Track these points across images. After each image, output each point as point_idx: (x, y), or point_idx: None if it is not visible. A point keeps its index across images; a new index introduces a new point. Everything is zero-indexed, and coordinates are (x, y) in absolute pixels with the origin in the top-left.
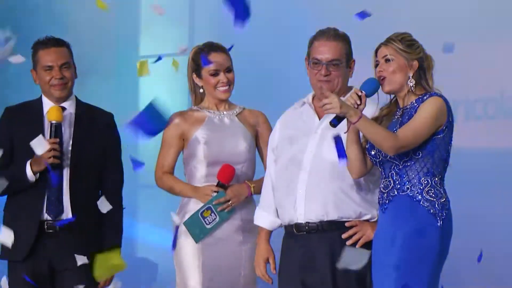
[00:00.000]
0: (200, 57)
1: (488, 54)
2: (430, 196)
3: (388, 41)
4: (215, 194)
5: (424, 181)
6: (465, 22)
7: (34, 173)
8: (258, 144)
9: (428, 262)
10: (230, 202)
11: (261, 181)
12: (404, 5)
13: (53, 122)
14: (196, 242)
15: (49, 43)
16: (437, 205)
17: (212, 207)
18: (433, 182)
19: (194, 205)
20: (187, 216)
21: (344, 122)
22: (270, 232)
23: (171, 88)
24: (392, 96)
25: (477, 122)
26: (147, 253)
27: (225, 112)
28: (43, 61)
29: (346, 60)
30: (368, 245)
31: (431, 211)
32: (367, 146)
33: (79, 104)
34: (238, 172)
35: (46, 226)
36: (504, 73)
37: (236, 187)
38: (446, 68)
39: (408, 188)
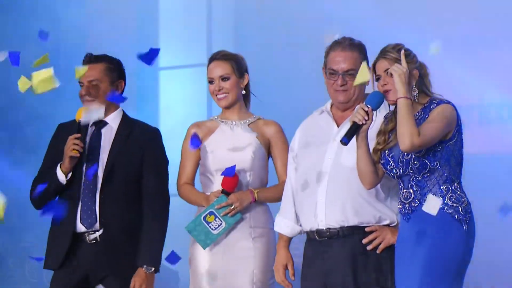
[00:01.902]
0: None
1: (502, 58)
2: (452, 202)
3: (386, 53)
4: (217, 199)
5: (445, 188)
6: (481, 27)
7: (64, 173)
8: (272, 154)
9: (453, 265)
10: (233, 206)
11: (268, 189)
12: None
13: (79, 120)
14: (204, 248)
15: (85, 59)
16: (461, 210)
17: (214, 211)
18: (452, 187)
19: None
20: None
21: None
22: (290, 239)
23: (190, 98)
24: (393, 107)
25: (491, 126)
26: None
27: (237, 122)
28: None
29: None
30: (388, 250)
31: (456, 217)
32: (382, 161)
33: (124, 119)
34: (245, 180)
35: (82, 237)
36: None
37: (239, 192)
38: (461, 73)
39: None
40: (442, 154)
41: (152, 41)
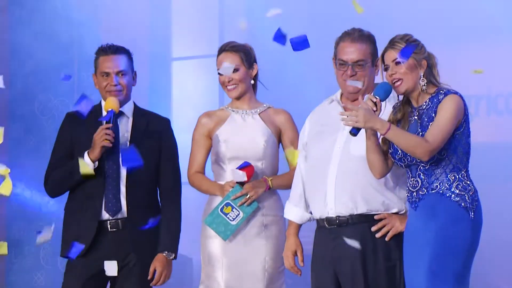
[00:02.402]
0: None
1: (510, 49)
2: (459, 190)
3: (394, 44)
4: (232, 189)
5: (452, 176)
6: (488, 20)
7: (93, 161)
8: (282, 142)
9: (460, 253)
10: (248, 196)
11: (280, 176)
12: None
13: (108, 110)
14: (224, 239)
15: (109, 50)
16: (468, 198)
17: (231, 202)
18: (460, 176)
19: (218, 203)
20: None
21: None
22: (299, 226)
23: (202, 88)
24: (401, 97)
25: (498, 117)
26: (181, 248)
27: (248, 111)
28: (101, 67)
29: (372, 60)
30: (397, 238)
31: (462, 204)
32: (390, 151)
33: (137, 110)
34: (258, 169)
35: (109, 226)
36: None
37: (254, 181)
38: (468, 64)
39: (437, 186)
40: (449, 144)
41: (164, 32)
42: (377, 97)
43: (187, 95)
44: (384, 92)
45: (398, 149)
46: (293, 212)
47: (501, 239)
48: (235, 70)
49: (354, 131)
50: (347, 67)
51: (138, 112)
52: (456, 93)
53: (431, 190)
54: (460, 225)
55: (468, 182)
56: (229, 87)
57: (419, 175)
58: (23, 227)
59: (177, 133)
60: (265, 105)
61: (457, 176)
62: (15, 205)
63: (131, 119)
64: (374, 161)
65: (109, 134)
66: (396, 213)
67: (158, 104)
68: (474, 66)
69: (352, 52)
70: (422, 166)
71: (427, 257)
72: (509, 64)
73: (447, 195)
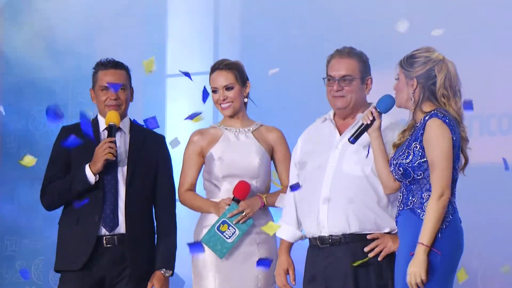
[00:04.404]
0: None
1: (503, 69)
2: None
3: (401, 61)
4: (228, 207)
5: (426, 195)
6: (481, 37)
7: (94, 174)
8: (274, 160)
9: (429, 272)
10: (245, 213)
11: (274, 194)
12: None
13: (110, 123)
14: (221, 257)
15: (108, 65)
16: None
17: (227, 220)
18: None
19: (211, 220)
20: (205, 231)
21: (364, 139)
22: (291, 244)
23: (197, 105)
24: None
25: (491, 138)
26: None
27: (241, 129)
28: (101, 81)
29: (361, 77)
30: (389, 257)
31: None
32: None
33: (133, 126)
34: (252, 187)
35: (105, 241)
36: None
37: (250, 199)
38: (462, 82)
39: (411, 203)
40: (426, 166)
41: (160, 49)
42: (377, 108)
43: (181, 111)
44: (385, 103)
45: (391, 164)
46: (285, 230)
47: (492, 256)
48: (230, 88)
49: (352, 140)
50: (334, 82)
51: (135, 128)
52: (437, 116)
53: (406, 207)
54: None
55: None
56: (223, 105)
57: (402, 190)
58: (15, 242)
59: (170, 149)
60: (257, 123)
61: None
62: (7, 220)
63: (128, 135)
64: (381, 173)
65: (112, 147)
66: (389, 233)
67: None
68: (467, 86)
69: (339, 68)
70: (405, 183)
71: (402, 275)
72: (502, 84)
73: (417, 212)
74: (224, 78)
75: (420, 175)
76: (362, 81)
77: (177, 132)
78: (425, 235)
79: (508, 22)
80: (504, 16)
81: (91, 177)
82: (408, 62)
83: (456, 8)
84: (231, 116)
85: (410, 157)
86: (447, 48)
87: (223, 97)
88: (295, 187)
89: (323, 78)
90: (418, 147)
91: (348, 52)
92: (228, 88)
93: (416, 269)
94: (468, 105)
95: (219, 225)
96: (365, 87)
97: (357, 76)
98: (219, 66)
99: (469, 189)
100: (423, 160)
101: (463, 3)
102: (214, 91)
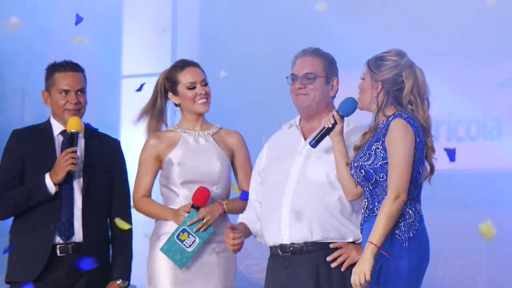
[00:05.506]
0: (175, 74)
1: (471, 76)
2: None
3: (367, 61)
4: (187, 215)
5: None
6: (451, 45)
7: (55, 184)
8: (233, 164)
9: (395, 283)
10: (205, 220)
11: (235, 200)
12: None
13: (73, 131)
14: (181, 267)
15: (67, 66)
16: (403, 226)
17: (187, 228)
18: None
19: (169, 228)
20: (162, 239)
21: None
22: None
23: None
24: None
25: (459, 144)
26: (133, 280)
27: (200, 132)
28: (60, 84)
29: (325, 76)
30: (353, 267)
31: (396, 231)
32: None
33: (87, 130)
34: (212, 194)
35: (59, 250)
36: (487, 96)
37: (210, 205)
38: (430, 88)
39: (377, 209)
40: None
41: (115, 49)
42: (338, 111)
43: (136, 113)
44: (346, 106)
45: (352, 167)
46: (244, 215)
47: (462, 265)
48: (206, 84)
49: (313, 144)
50: (296, 81)
51: (90, 132)
52: (401, 117)
53: (372, 213)
54: (393, 255)
55: (409, 210)
56: (202, 101)
57: (366, 195)
58: None
59: (125, 152)
60: (216, 126)
61: None
62: None
63: (83, 139)
64: (342, 179)
65: (74, 158)
66: (353, 242)
67: (106, 122)
68: (436, 92)
69: (302, 66)
70: (366, 186)
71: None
72: (470, 90)
73: None
74: (197, 72)
75: (383, 177)
76: (327, 80)
77: (132, 134)
78: (376, 235)
79: (478, 29)
80: (474, 22)
81: (52, 188)
82: (376, 64)
83: (425, 13)
84: (201, 114)
85: (372, 158)
86: (417, 53)
87: (204, 91)
88: (243, 195)
89: (287, 77)
90: (380, 148)
91: (312, 51)
92: (205, 83)
93: (361, 268)
94: (451, 153)
95: (179, 233)
96: (330, 88)
97: (320, 74)
98: (192, 63)
99: (435, 195)
100: (385, 161)
101: (433, 7)
102: (192, 88)
